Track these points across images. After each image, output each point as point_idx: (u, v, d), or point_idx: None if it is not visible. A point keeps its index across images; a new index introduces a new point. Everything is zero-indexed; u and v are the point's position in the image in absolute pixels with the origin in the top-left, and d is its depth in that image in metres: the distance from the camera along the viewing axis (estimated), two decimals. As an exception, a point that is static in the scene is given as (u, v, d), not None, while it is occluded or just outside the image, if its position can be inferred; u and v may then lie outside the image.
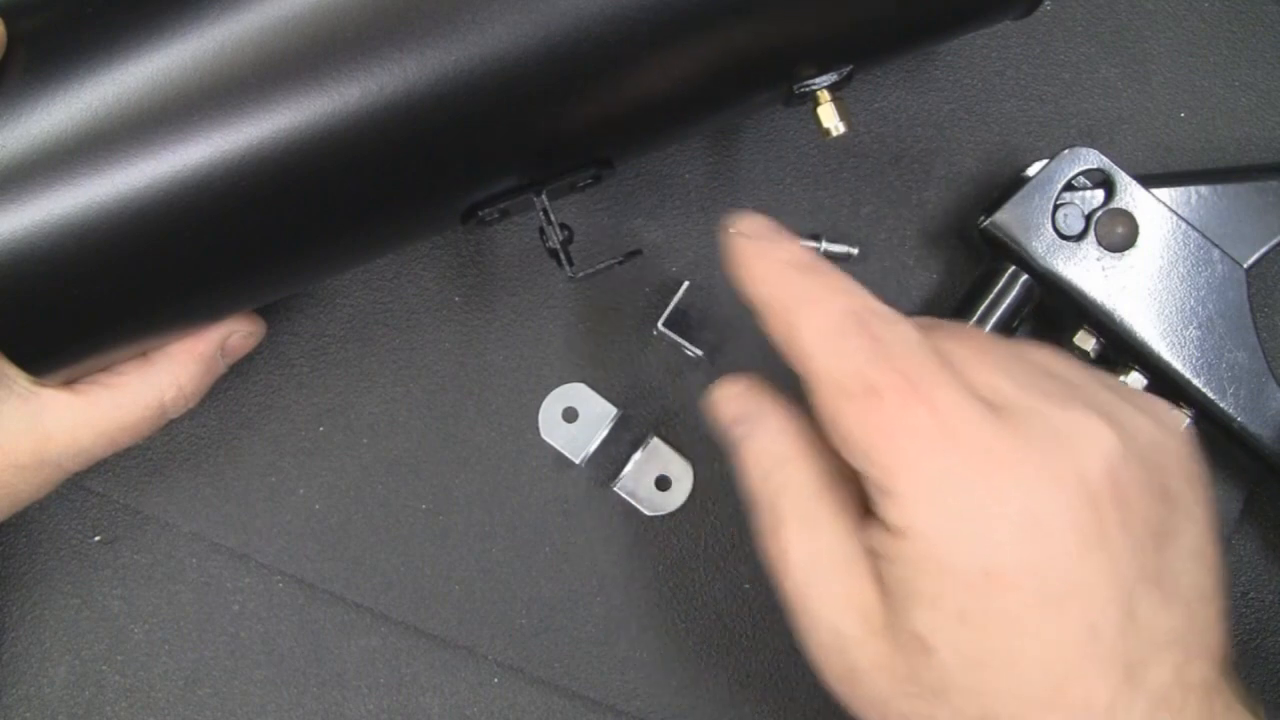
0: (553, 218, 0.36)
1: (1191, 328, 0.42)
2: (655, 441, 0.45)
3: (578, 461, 0.44)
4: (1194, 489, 0.33)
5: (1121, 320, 0.42)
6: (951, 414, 0.30)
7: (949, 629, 0.30)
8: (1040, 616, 0.30)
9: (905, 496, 0.30)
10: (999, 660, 0.30)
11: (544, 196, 0.36)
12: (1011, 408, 0.31)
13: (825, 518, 0.33)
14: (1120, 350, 0.42)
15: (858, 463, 0.31)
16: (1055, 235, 0.42)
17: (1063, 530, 0.30)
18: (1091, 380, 0.34)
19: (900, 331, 0.32)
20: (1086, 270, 0.42)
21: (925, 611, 0.30)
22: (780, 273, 0.33)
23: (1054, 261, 0.42)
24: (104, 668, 0.45)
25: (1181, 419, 0.34)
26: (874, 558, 0.32)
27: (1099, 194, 0.42)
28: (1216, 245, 0.42)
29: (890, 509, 0.31)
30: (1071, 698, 0.30)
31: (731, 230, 0.34)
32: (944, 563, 0.30)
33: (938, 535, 0.30)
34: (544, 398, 0.45)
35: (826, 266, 0.33)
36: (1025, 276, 0.42)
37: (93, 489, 0.45)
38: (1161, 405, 0.34)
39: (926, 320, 0.35)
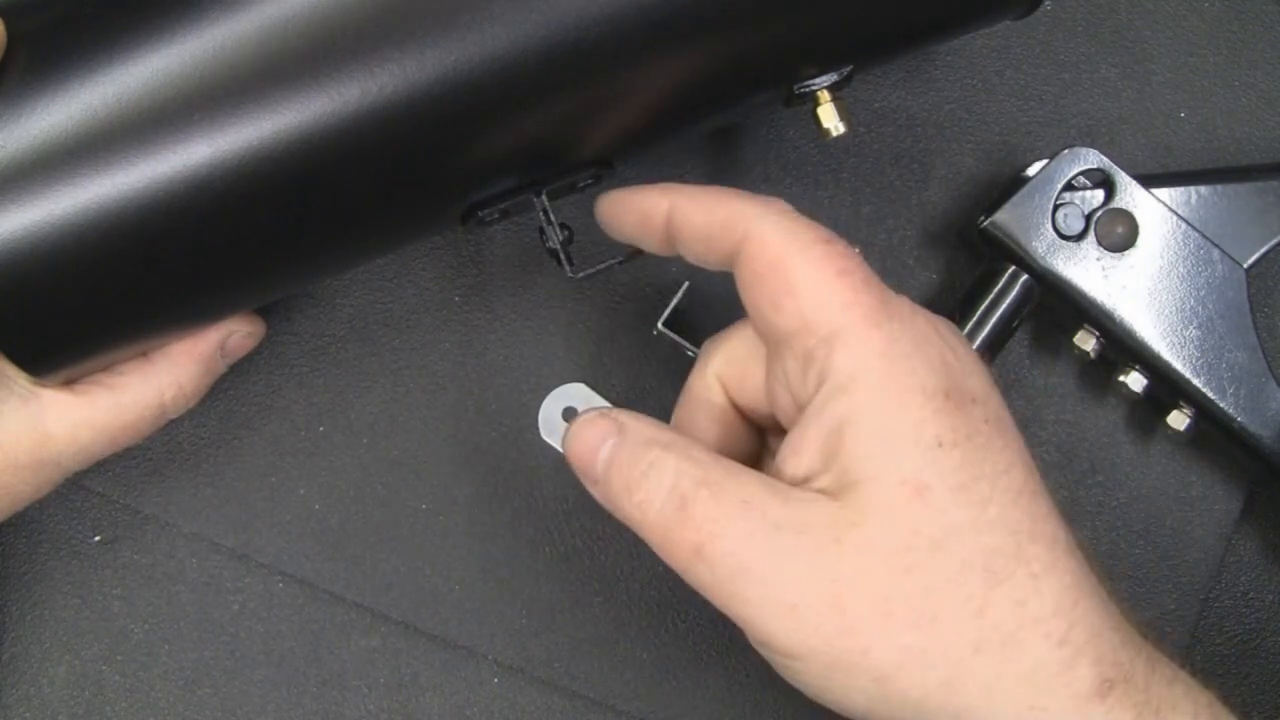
0: (553, 218, 0.36)
1: (1191, 328, 0.42)
2: None
3: (578, 461, 0.44)
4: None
5: (1121, 320, 0.42)
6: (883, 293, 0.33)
7: (934, 459, 0.31)
8: (996, 437, 0.32)
9: (858, 334, 0.31)
10: (982, 486, 0.31)
11: (544, 197, 0.36)
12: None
13: (732, 469, 0.32)
14: (1120, 350, 0.42)
15: (801, 311, 0.32)
16: (1055, 235, 0.42)
17: (976, 363, 0.34)
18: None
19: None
20: (1086, 270, 0.42)
21: (907, 449, 0.31)
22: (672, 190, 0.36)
23: (1054, 261, 0.42)
24: (104, 668, 0.45)
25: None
26: (819, 452, 0.31)
27: (1099, 194, 0.42)
28: (1216, 245, 0.42)
29: (841, 354, 0.31)
30: (1044, 528, 0.32)
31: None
32: (907, 389, 0.31)
33: (894, 365, 0.31)
34: (544, 398, 0.45)
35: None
36: (1025, 276, 0.42)
37: (93, 489, 0.45)
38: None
39: None
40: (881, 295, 0.32)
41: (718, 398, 0.37)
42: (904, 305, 0.33)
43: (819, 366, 0.32)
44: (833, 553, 0.30)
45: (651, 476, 0.32)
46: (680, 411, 0.38)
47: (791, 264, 0.32)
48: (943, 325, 0.34)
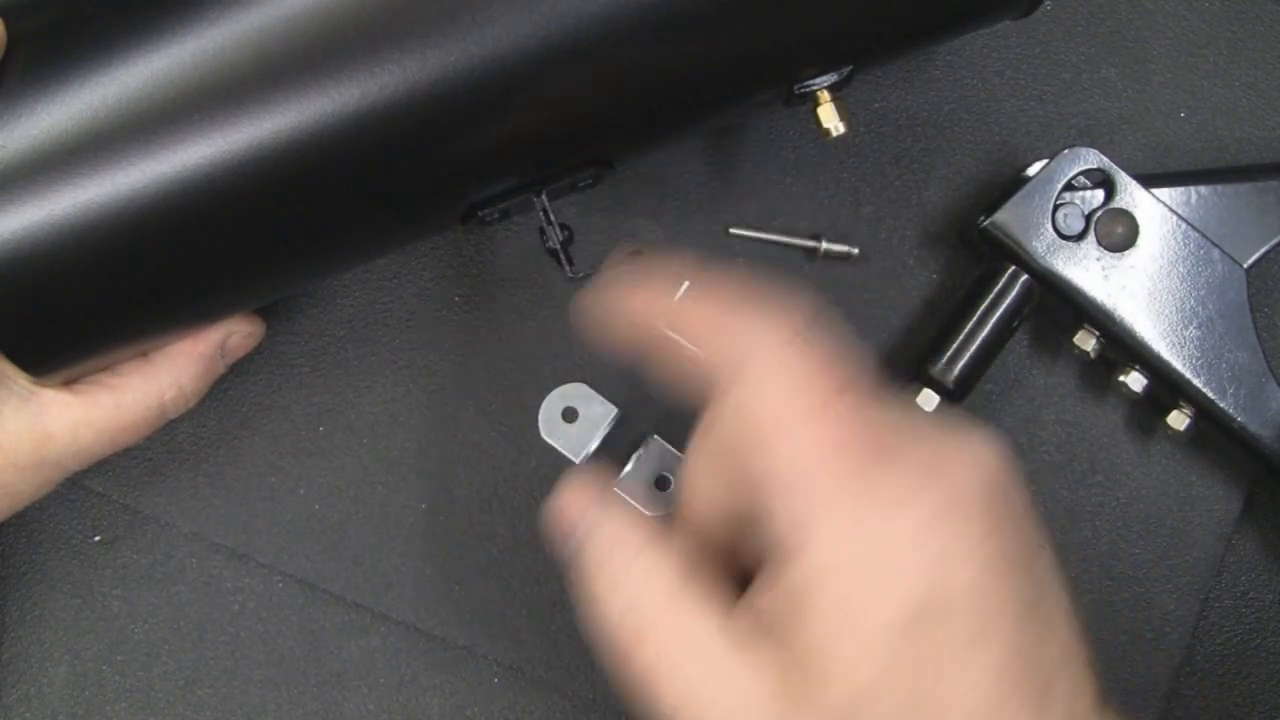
0: (553, 218, 0.36)
1: (1191, 328, 0.42)
2: (655, 441, 0.45)
3: (578, 461, 0.44)
4: (1026, 500, 0.31)
5: (1121, 320, 0.42)
6: (863, 448, 0.29)
7: (877, 686, 0.28)
8: (965, 651, 0.28)
9: (815, 545, 0.28)
10: (930, 710, 0.28)
11: (544, 197, 0.36)
12: (900, 435, 0.30)
13: (696, 615, 0.30)
14: (1120, 350, 0.42)
15: (778, 493, 0.29)
16: (1055, 235, 0.42)
17: (971, 558, 0.29)
18: (932, 418, 0.33)
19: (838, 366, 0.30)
20: (1086, 270, 0.42)
21: (848, 671, 0.28)
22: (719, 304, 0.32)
23: (1054, 261, 0.42)
24: (104, 668, 0.45)
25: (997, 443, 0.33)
26: (772, 629, 0.29)
27: (1099, 194, 0.42)
28: (1216, 245, 0.42)
29: (794, 561, 0.28)
30: None
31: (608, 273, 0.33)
32: (868, 610, 0.28)
33: (851, 586, 0.28)
34: (544, 398, 0.45)
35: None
36: (1025, 276, 0.42)
37: (93, 489, 0.45)
38: (986, 433, 0.31)
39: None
40: (868, 481, 0.28)
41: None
42: (895, 488, 0.29)
43: (785, 548, 0.29)
44: None
45: (613, 592, 0.31)
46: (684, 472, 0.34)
47: (768, 446, 0.29)
48: (950, 509, 0.29)
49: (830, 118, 0.37)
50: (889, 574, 0.28)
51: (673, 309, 0.32)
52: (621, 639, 0.30)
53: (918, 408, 0.43)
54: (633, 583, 0.30)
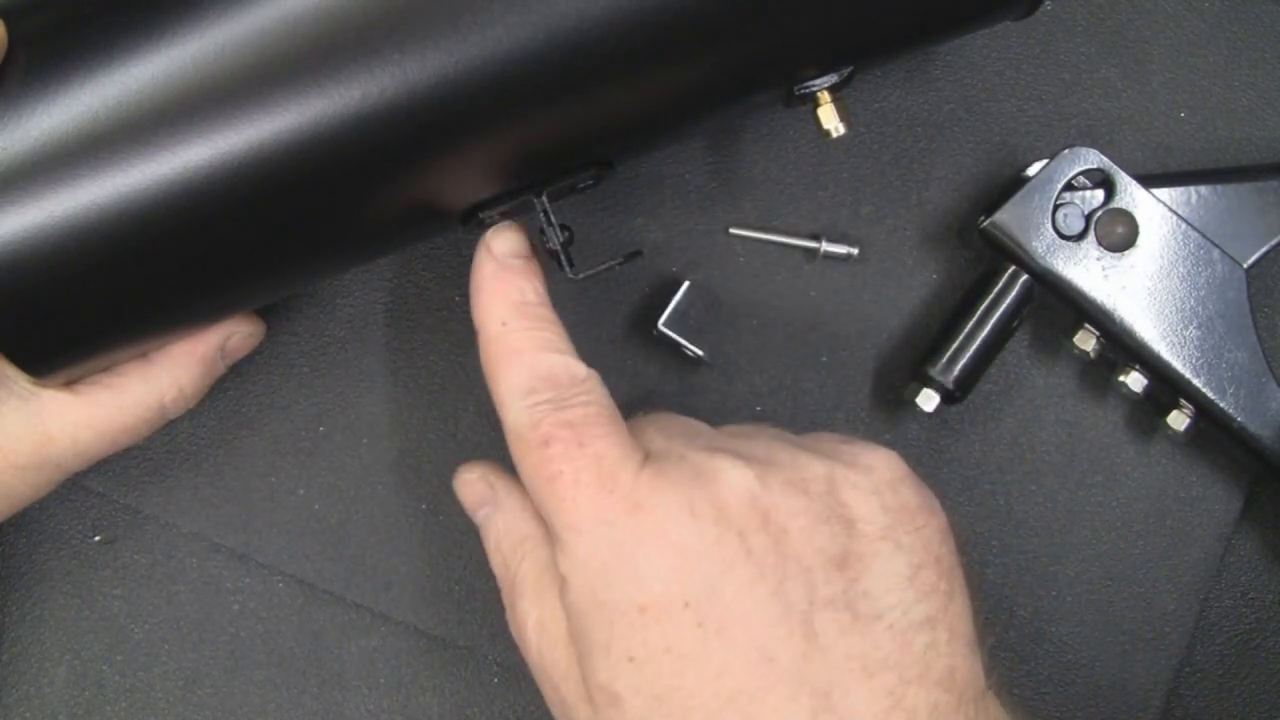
0: (553, 219, 0.36)
1: (1191, 328, 0.42)
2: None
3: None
4: (895, 516, 0.33)
5: (1121, 320, 0.42)
6: (609, 465, 0.32)
7: (624, 672, 0.31)
8: (703, 645, 0.31)
9: (569, 543, 0.32)
10: (680, 696, 0.31)
11: (544, 198, 0.36)
12: (661, 453, 0.33)
13: (552, 596, 0.34)
14: (1120, 350, 0.42)
15: (541, 512, 0.34)
16: (1055, 235, 0.42)
17: (704, 557, 0.31)
18: (754, 437, 0.35)
19: (584, 390, 0.34)
20: (1086, 270, 0.42)
21: (600, 659, 0.32)
22: (501, 309, 0.36)
23: (1054, 261, 0.42)
24: (104, 668, 0.45)
25: (882, 457, 0.34)
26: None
27: (1099, 194, 0.42)
28: (1216, 245, 0.42)
29: (560, 558, 0.33)
30: None
31: (484, 245, 0.36)
32: (602, 604, 0.32)
33: (593, 577, 0.32)
34: (544, 398, 0.45)
35: (544, 313, 0.36)
36: (1025, 276, 0.42)
37: (93, 489, 0.45)
38: (854, 447, 0.35)
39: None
40: (593, 495, 0.32)
41: None
42: (623, 500, 0.32)
43: (555, 550, 0.33)
44: (575, 711, 0.33)
45: (505, 563, 0.37)
46: None
47: (520, 467, 0.34)
48: (674, 517, 0.32)
49: (830, 118, 0.37)
50: (623, 567, 0.31)
51: (494, 322, 0.36)
52: (507, 597, 0.36)
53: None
54: (513, 561, 0.36)
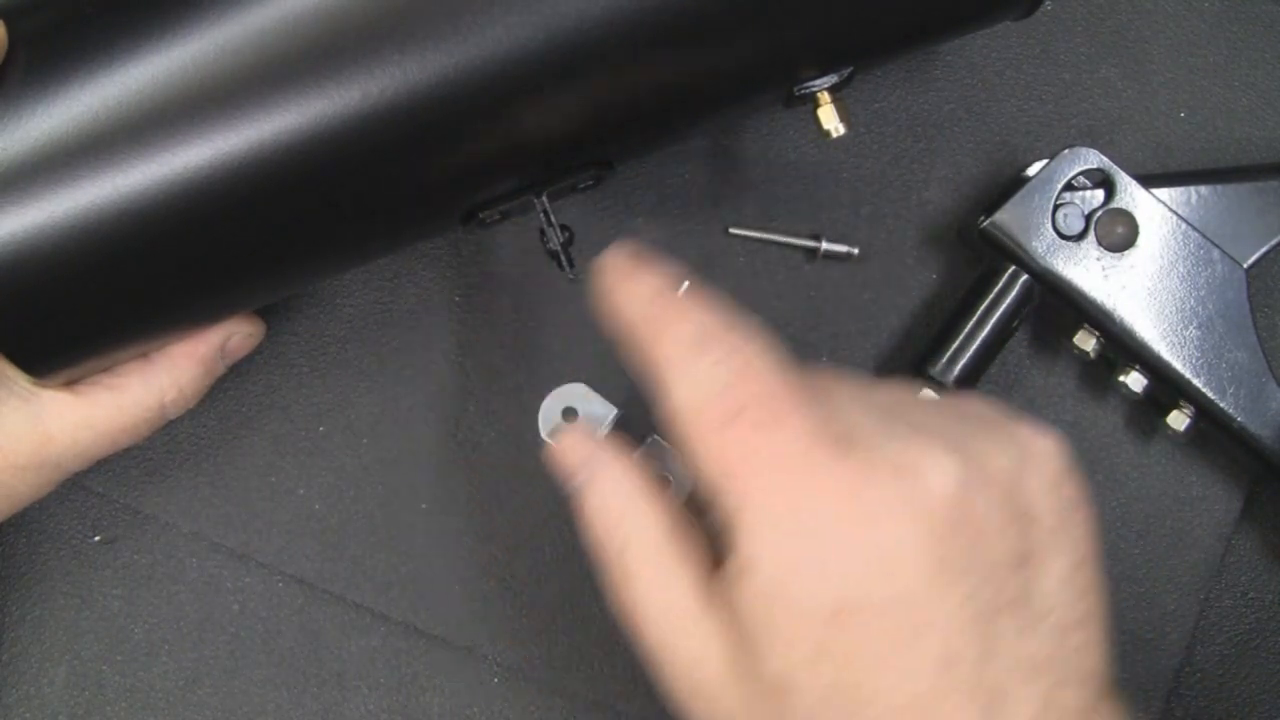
0: (553, 219, 0.36)
1: (1191, 328, 0.42)
2: (655, 441, 0.45)
3: (578, 461, 0.44)
4: (1062, 513, 0.32)
5: (1121, 320, 0.42)
6: (808, 445, 0.30)
7: (806, 667, 0.30)
8: (894, 650, 0.29)
9: (755, 528, 0.30)
10: (858, 697, 0.29)
11: (544, 198, 0.36)
12: (857, 441, 0.30)
13: (674, 569, 0.32)
14: (1120, 350, 0.42)
15: (710, 488, 0.31)
16: (1055, 235, 0.42)
17: (909, 562, 0.29)
18: (939, 414, 0.33)
19: (759, 351, 0.31)
20: (1086, 270, 0.42)
21: (781, 650, 0.30)
22: (644, 296, 0.33)
23: (1054, 261, 0.42)
24: (104, 668, 0.45)
25: (1053, 444, 0.33)
26: (727, 601, 0.31)
27: (1099, 194, 0.42)
28: (1216, 245, 0.42)
29: (741, 541, 0.30)
30: None
31: (600, 263, 0.34)
32: (793, 600, 0.29)
33: (786, 571, 0.30)
34: (544, 398, 0.45)
35: (686, 297, 0.33)
36: (1025, 276, 0.42)
37: (93, 489, 0.45)
38: (1026, 430, 0.33)
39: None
40: (792, 480, 0.30)
41: None
42: (825, 489, 0.30)
43: (729, 531, 0.31)
44: (716, 694, 0.31)
45: (610, 533, 0.33)
46: None
47: (696, 447, 0.31)
48: (881, 515, 0.30)
49: (830, 119, 0.37)
50: (820, 564, 0.29)
51: (638, 307, 0.33)
52: (614, 575, 0.33)
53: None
54: (626, 527, 0.33)
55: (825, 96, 0.37)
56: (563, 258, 0.37)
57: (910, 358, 0.45)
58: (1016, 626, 0.30)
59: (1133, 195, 0.42)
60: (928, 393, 0.34)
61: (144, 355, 0.38)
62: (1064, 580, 0.31)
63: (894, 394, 0.34)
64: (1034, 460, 0.32)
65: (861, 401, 0.32)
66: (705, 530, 0.34)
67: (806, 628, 0.29)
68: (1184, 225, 0.42)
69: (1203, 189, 0.43)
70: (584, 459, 0.35)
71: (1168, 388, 0.42)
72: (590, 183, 0.37)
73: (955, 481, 0.30)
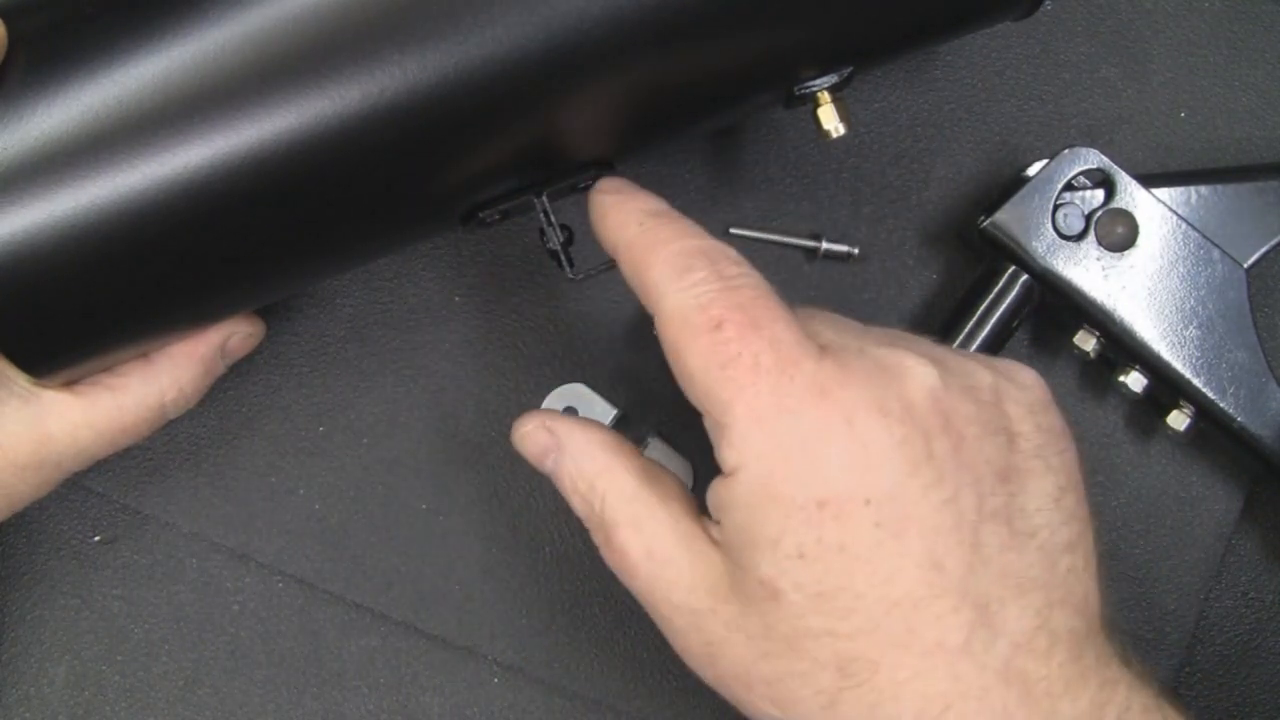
0: (553, 219, 0.36)
1: (1191, 328, 0.42)
2: (655, 441, 0.45)
3: (578, 461, 0.44)
4: (1047, 436, 0.33)
5: (1121, 320, 0.42)
6: (788, 349, 0.31)
7: (792, 568, 0.30)
8: (878, 546, 0.30)
9: (740, 431, 0.31)
10: (845, 597, 0.30)
11: (545, 198, 0.36)
12: (839, 347, 0.32)
13: (650, 511, 0.33)
14: (1120, 350, 0.42)
15: (698, 398, 0.32)
16: (1055, 235, 0.42)
17: (890, 456, 0.30)
18: (928, 342, 0.34)
19: (744, 270, 0.33)
20: (1086, 270, 0.42)
21: (766, 554, 0.30)
22: (635, 217, 0.34)
23: (1054, 261, 0.42)
24: (104, 668, 0.45)
25: (1032, 376, 0.34)
26: (710, 522, 0.33)
27: (1099, 194, 0.42)
28: (1216, 245, 0.42)
29: (726, 447, 0.31)
30: (925, 635, 0.30)
31: (595, 190, 0.36)
32: (777, 497, 0.30)
33: (770, 468, 0.30)
34: (544, 398, 0.45)
35: (678, 215, 0.34)
36: (1025, 276, 0.42)
37: (93, 489, 0.45)
38: (1013, 365, 0.34)
39: None
40: (774, 382, 0.31)
41: None
42: (807, 389, 0.31)
43: (717, 437, 0.32)
44: (708, 618, 0.32)
45: (587, 497, 0.35)
46: None
47: (683, 356, 0.32)
48: (861, 411, 0.30)
49: (830, 119, 0.37)
50: (801, 461, 0.30)
51: (630, 231, 0.34)
52: (599, 534, 0.35)
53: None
54: (601, 483, 0.35)
55: (825, 96, 0.37)
56: (563, 258, 0.37)
57: (910, 358, 0.45)
58: (1001, 539, 0.31)
59: (1133, 195, 0.42)
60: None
61: (144, 355, 0.38)
62: (1050, 500, 0.32)
63: (880, 328, 0.35)
64: (1015, 385, 0.33)
65: (844, 323, 0.34)
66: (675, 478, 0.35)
67: (792, 523, 0.30)
68: (1184, 225, 0.42)
69: (1203, 189, 0.43)
70: (547, 442, 0.36)
71: (1168, 388, 0.42)
72: (590, 183, 0.37)
73: (935, 384, 0.31)
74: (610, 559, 0.34)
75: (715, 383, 0.31)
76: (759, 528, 0.31)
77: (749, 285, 0.32)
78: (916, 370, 0.31)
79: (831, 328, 0.34)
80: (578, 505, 0.35)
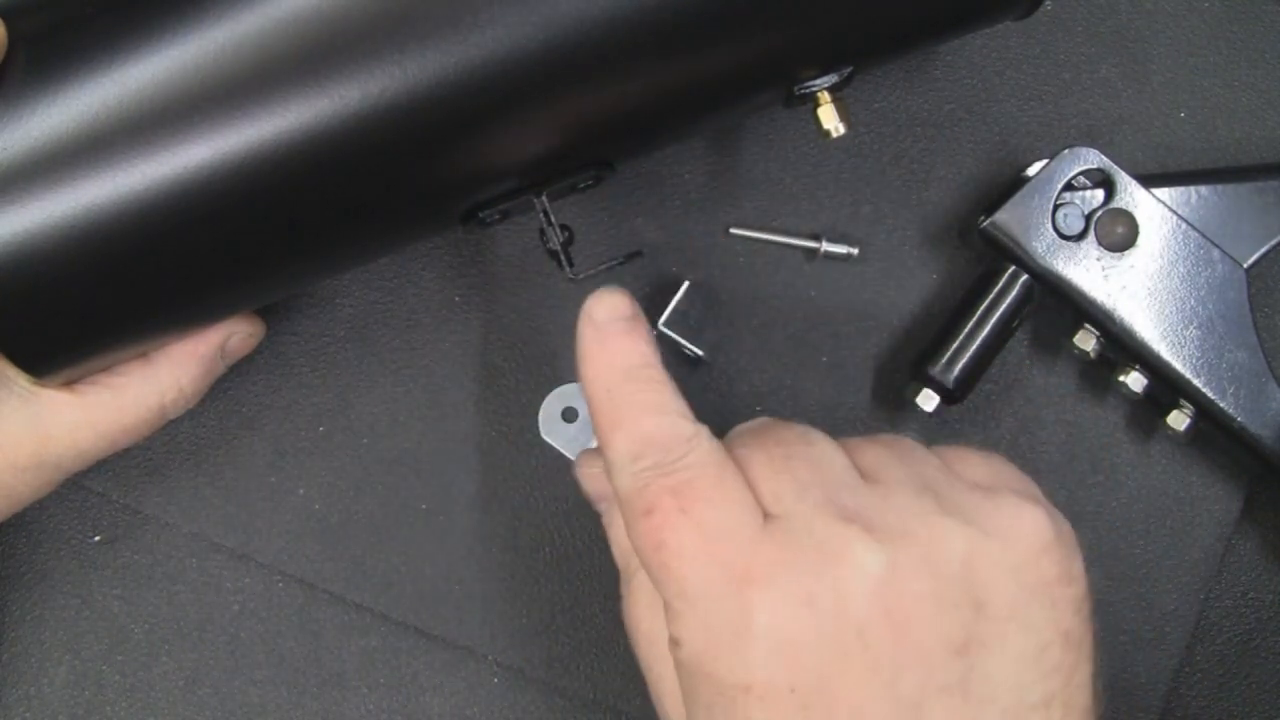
0: (553, 219, 0.36)
1: (1191, 328, 0.42)
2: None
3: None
4: (1031, 593, 0.31)
5: (1121, 320, 0.42)
6: (715, 533, 0.31)
7: None
8: None
9: (675, 609, 0.31)
10: None
11: (544, 198, 0.36)
12: (786, 516, 0.31)
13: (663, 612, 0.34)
14: (1120, 350, 0.42)
15: (647, 571, 0.33)
16: (1055, 235, 0.42)
17: (815, 649, 0.30)
18: (910, 481, 0.33)
19: (694, 447, 0.33)
20: (1086, 270, 0.42)
21: (703, 716, 0.31)
22: (605, 379, 0.34)
23: (1054, 261, 0.42)
24: (104, 668, 0.45)
25: (1031, 524, 0.32)
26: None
27: (1099, 194, 0.42)
28: (1216, 245, 0.42)
29: (670, 620, 0.32)
30: None
31: (585, 314, 0.35)
32: (709, 675, 0.31)
33: (702, 648, 0.31)
34: (544, 398, 0.45)
35: (649, 374, 0.34)
36: (1025, 276, 0.42)
37: (93, 489, 0.45)
38: (1007, 507, 0.32)
39: (757, 423, 0.36)
40: (699, 566, 0.31)
41: None
42: (729, 577, 0.31)
43: (665, 612, 0.33)
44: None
45: (624, 562, 0.37)
46: None
47: (630, 536, 0.33)
48: (785, 604, 0.30)
49: (830, 118, 0.37)
50: (729, 644, 0.31)
51: (603, 384, 0.35)
52: (624, 588, 0.37)
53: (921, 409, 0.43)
54: (631, 564, 0.36)
55: (825, 96, 0.37)
56: (563, 258, 0.37)
57: (910, 358, 0.45)
58: (949, 709, 0.30)
59: (1133, 195, 0.42)
60: (919, 447, 0.35)
61: (144, 355, 0.38)
62: (1025, 661, 0.31)
63: (875, 451, 0.34)
64: (997, 543, 0.32)
65: (810, 478, 0.33)
66: None
67: (722, 700, 0.31)
68: (1184, 225, 0.42)
69: (1203, 189, 0.43)
70: (602, 492, 0.38)
71: (1168, 388, 0.42)
72: (590, 183, 0.37)
73: (878, 572, 0.30)
74: (624, 611, 0.36)
75: (651, 564, 0.32)
76: (696, 694, 0.31)
77: (690, 466, 0.32)
78: (861, 559, 0.30)
79: (796, 487, 0.32)
80: (616, 557, 0.37)
